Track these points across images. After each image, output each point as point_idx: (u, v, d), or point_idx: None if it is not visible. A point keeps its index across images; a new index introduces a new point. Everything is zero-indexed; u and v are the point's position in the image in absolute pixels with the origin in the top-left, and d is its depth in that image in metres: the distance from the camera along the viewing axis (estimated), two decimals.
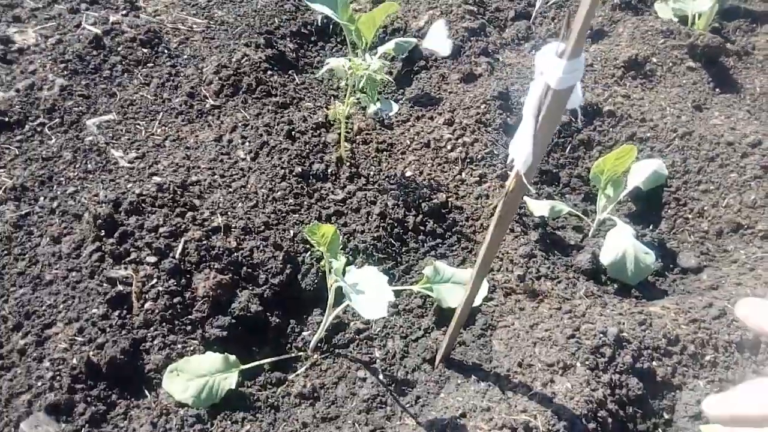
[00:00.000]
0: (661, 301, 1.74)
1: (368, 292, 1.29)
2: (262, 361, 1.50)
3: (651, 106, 2.33)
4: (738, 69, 2.69)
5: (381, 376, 1.52)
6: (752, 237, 1.92)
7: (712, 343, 1.52)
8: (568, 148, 2.24)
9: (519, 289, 1.69)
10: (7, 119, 1.93)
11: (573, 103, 0.98)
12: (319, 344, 1.59)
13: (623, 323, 1.53)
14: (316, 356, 1.57)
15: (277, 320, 1.60)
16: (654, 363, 1.47)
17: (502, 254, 1.77)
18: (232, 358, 1.45)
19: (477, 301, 1.62)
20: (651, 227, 2.08)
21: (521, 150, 0.98)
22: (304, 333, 1.62)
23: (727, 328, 1.56)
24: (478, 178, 1.99)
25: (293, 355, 1.57)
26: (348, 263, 1.50)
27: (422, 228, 1.85)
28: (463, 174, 2.01)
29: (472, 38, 2.61)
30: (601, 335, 1.47)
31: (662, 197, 2.11)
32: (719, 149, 2.14)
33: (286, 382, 1.50)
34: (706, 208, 2.04)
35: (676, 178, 2.13)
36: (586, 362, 1.42)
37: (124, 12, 2.45)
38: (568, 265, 1.85)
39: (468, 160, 2.04)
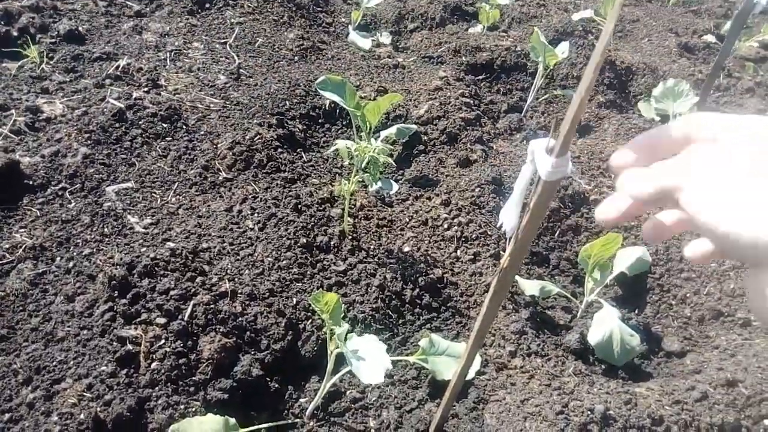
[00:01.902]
0: (646, 382, 1.81)
1: (368, 358, 1.36)
2: (260, 426, 1.54)
3: None
4: None
5: None
6: (732, 324, 2.02)
7: (694, 425, 1.58)
8: (558, 232, 2.37)
9: (510, 365, 1.76)
10: (31, 182, 2.04)
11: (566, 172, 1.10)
12: (315, 411, 1.63)
13: (610, 402, 1.60)
14: (312, 424, 1.61)
15: (277, 385, 1.65)
16: None
17: (495, 330, 1.85)
18: (232, 421, 1.49)
19: (470, 375, 1.68)
20: (636, 311, 2.17)
21: (509, 218, 1.10)
22: (301, 400, 1.66)
23: (709, 410, 1.62)
24: (472, 256, 2.10)
25: (290, 421, 1.61)
26: (348, 331, 1.58)
27: (418, 301, 1.94)
28: (459, 252, 2.12)
29: (468, 127, 2.80)
30: (589, 412, 1.53)
31: (647, 283, 2.23)
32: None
33: None
34: (688, 295, 2.15)
35: (660, 266, 2.25)
36: None
37: (146, 89, 2.64)
38: (557, 344, 1.93)
39: (463, 239, 2.16)
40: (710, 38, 4.20)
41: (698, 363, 1.87)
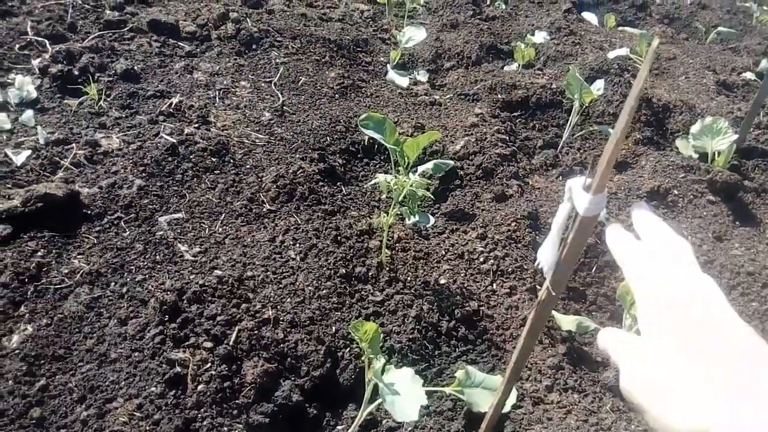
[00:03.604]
0: None
1: (403, 394, 1.40)
2: None
3: None
4: (757, 205, 2.86)
5: None
6: None
7: None
8: (594, 268, 2.38)
9: (547, 399, 1.76)
10: (89, 212, 2.17)
11: (597, 216, 1.14)
12: None
13: None
14: None
15: (315, 412, 1.70)
16: None
17: (531, 364, 1.86)
18: None
19: (506, 408, 1.69)
20: None
21: (547, 257, 1.14)
22: (338, 427, 1.70)
23: None
24: (508, 290, 2.13)
25: None
26: (385, 362, 1.62)
27: (455, 333, 1.97)
28: (494, 285, 2.15)
29: (504, 163, 2.85)
30: None
31: None
32: (740, 278, 2.26)
33: None
34: None
35: None
36: None
37: (196, 125, 2.78)
38: (594, 380, 1.92)
39: (499, 273, 2.19)
40: (749, 76, 4.18)
41: None
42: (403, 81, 3.74)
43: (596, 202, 1.07)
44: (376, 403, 1.59)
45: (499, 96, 3.54)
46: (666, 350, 0.61)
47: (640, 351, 0.65)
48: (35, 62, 3.07)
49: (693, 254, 0.72)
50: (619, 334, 0.72)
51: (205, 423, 1.53)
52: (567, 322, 2.05)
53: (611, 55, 3.97)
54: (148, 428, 1.47)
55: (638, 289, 0.70)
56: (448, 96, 3.66)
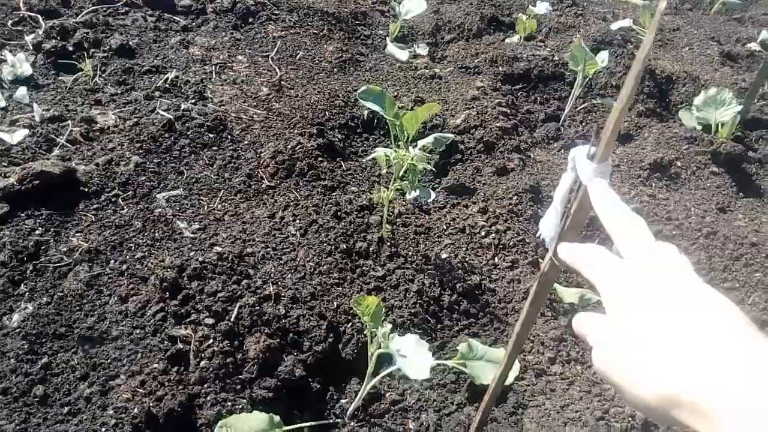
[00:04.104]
0: None
1: (411, 356, 1.40)
2: (302, 425, 1.59)
3: (676, 206, 2.47)
4: (761, 175, 2.83)
5: None
6: None
7: None
8: (597, 240, 2.36)
9: (549, 371, 1.76)
10: (86, 189, 2.15)
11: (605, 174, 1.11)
12: (356, 412, 1.67)
13: None
14: (352, 424, 1.65)
15: (318, 386, 1.70)
16: None
17: (534, 337, 1.86)
18: (277, 418, 1.53)
19: (509, 380, 1.69)
20: None
21: (549, 229, 1.13)
22: (342, 401, 1.70)
23: None
24: (510, 264, 2.11)
25: (331, 421, 1.65)
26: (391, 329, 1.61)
27: (456, 307, 1.96)
28: (496, 259, 2.14)
29: (505, 136, 2.82)
30: (630, 419, 1.53)
31: None
32: (743, 249, 2.24)
33: None
34: None
35: (702, 275, 2.21)
36: None
37: (193, 101, 2.75)
38: None
39: (501, 246, 2.18)
40: (754, 46, 4.12)
41: None
42: (403, 54, 3.68)
43: (600, 171, 1.04)
44: (380, 376, 1.59)
45: (501, 69, 3.48)
46: (630, 321, 0.60)
47: (606, 326, 0.63)
48: (28, 38, 3.01)
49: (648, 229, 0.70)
50: (589, 314, 0.71)
51: (208, 398, 1.53)
52: (569, 294, 2.04)
53: (614, 26, 3.90)
54: (151, 404, 1.47)
55: (597, 272, 0.69)
56: (448, 69, 3.61)
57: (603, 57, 3.00)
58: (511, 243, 2.19)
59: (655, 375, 0.55)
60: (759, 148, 3.07)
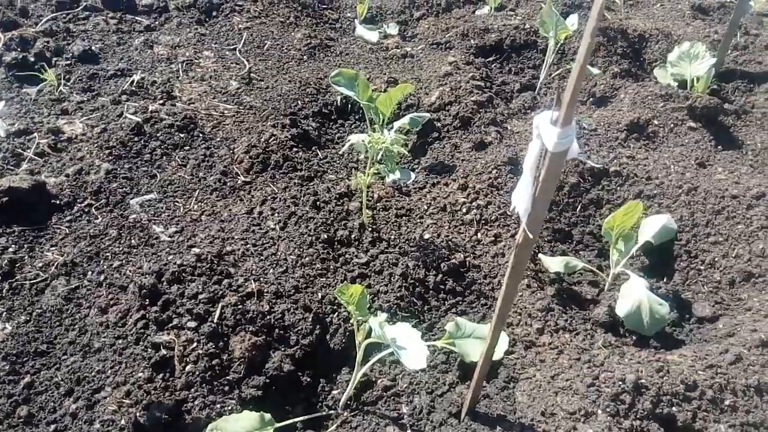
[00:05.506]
0: (678, 349, 1.79)
1: (407, 346, 1.38)
2: (295, 420, 1.58)
3: (655, 165, 2.45)
4: (738, 127, 2.82)
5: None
6: (764, 285, 1.98)
7: (730, 387, 1.56)
8: (579, 207, 2.35)
9: (538, 342, 1.76)
10: (58, 201, 2.11)
11: (572, 153, 1.10)
12: (348, 402, 1.66)
13: (641, 371, 1.58)
14: (346, 414, 1.64)
15: (308, 379, 1.68)
16: (674, 408, 1.51)
17: (521, 309, 1.85)
18: (267, 416, 1.52)
19: (498, 355, 1.68)
20: (665, 279, 2.15)
21: (522, 200, 1.10)
22: (333, 391, 1.69)
23: (744, 372, 1.60)
24: (493, 238, 2.10)
25: (324, 413, 1.64)
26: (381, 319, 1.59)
27: (442, 287, 1.95)
28: (479, 235, 2.12)
29: (480, 110, 2.79)
30: (620, 383, 1.53)
31: (673, 250, 2.19)
32: (725, 202, 2.24)
33: None
34: (716, 259, 2.11)
35: (686, 232, 2.22)
36: (607, 409, 1.47)
37: (161, 101, 2.69)
38: (585, 318, 1.91)
39: (483, 222, 2.16)
40: None
41: (731, 326, 1.84)
42: (373, 35, 3.63)
43: (565, 136, 1.02)
44: (369, 363, 1.58)
45: (473, 42, 3.44)
46: None
47: None
48: None
49: None
50: None
51: (196, 403, 1.52)
52: (554, 263, 2.03)
53: None
54: (139, 414, 1.45)
55: None
56: (420, 47, 3.56)
57: (573, 21, 2.97)
58: (493, 217, 2.18)
59: None
60: (735, 99, 3.06)
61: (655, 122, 2.70)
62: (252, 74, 3.03)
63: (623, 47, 3.37)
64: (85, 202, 2.12)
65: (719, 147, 2.65)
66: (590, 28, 0.91)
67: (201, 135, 2.51)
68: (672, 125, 2.69)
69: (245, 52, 3.24)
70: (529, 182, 1.13)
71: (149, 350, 1.59)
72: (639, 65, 3.36)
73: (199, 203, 2.18)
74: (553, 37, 2.95)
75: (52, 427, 1.46)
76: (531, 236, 1.16)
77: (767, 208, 2.17)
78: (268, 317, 1.72)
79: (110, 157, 2.31)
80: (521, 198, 1.14)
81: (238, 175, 2.32)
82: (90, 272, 1.87)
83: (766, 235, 2.09)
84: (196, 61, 3.10)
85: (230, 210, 2.15)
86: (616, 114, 2.77)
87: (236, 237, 2.01)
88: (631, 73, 3.26)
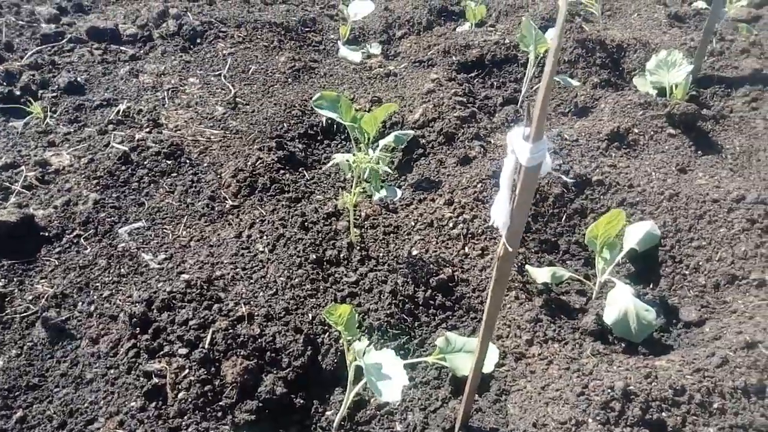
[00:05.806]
0: (666, 355, 1.81)
1: (385, 376, 1.39)
2: None
3: (637, 172, 2.49)
4: (717, 131, 2.87)
5: None
6: (748, 287, 2.01)
7: (717, 390, 1.58)
8: (564, 217, 2.38)
9: (528, 353, 1.77)
10: (47, 234, 2.12)
11: (544, 171, 1.13)
12: (342, 423, 1.66)
13: (630, 377, 1.60)
14: None
15: (302, 401, 1.69)
16: (663, 414, 1.53)
17: (510, 321, 1.87)
18: None
19: (489, 368, 1.70)
20: (651, 285, 2.17)
21: (500, 215, 1.13)
22: (327, 412, 1.70)
23: (731, 374, 1.62)
24: (480, 252, 2.12)
25: None
26: (368, 344, 1.60)
27: (432, 302, 1.96)
28: (466, 249, 2.15)
29: (464, 125, 2.83)
30: (609, 390, 1.54)
31: (658, 256, 2.22)
32: (706, 207, 2.27)
33: None
34: (701, 263, 2.14)
35: (669, 237, 2.25)
36: (597, 417, 1.49)
37: (147, 129, 2.72)
38: (574, 328, 1.93)
39: (469, 236, 2.19)
40: (700, 4, 4.17)
41: (717, 329, 1.87)
42: (356, 56, 3.68)
43: (536, 150, 1.05)
44: (362, 382, 1.59)
45: (454, 58, 3.49)
46: None
47: None
48: None
49: None
50: None
51: (190, 430, 1.52)
52: (542, 274, 2.05)
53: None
54: None
55: None
56: (402, 65, 3.61)
57: (551, 34, 3.02)
58: (480, 231, 2.20)
59: None
60: (713, 105, 3.12)
61: (636, 130, 2.75)
62: (237, 99, 3.07)
63: (602, 58, 3.43)
64: (74, 233, 2.14)
65: (699, 152, 2.69)
66: (553, 47, 0.95)
67: (188, 161, 2.53)
68: (652, 132, 2.74)
69: (230, 77, 3.28)
70: (507, 197, 1.16)
71: (141, 379, 1.60)
72: (618, 75, 3.43)
73: (188, 229, 2.20)
74: (533, 51, 3.00)
75: None
76: (511, 249, 1.19)
77: (747, 211, 2.21)
78: (259, 340, 1.73)
79: (98, 187, 2.33)
80: (500, 212, 1.17)
81: (226, 200, 2.34)
82: (80, 303, 1.88)
83: (747, 238, 2.12)
84: (181, 88, 3.14)
85: (219, 234, 2.17)
86: (597, 124, 2.82)
87: (225, 261, 2.02)
88: (610, 82, 3.31)
